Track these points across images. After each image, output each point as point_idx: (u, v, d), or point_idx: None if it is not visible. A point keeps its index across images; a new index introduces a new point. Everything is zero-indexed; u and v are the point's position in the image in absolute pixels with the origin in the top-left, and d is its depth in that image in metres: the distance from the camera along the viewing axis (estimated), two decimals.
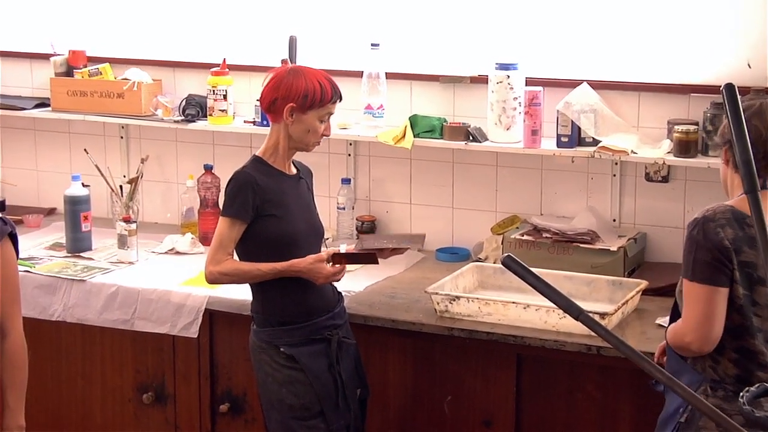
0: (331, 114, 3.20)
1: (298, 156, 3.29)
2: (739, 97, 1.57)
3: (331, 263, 3.14)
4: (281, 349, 3.14)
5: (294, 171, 3.26)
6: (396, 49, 4.04)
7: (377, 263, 3.29)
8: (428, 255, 4.05)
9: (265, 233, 3.12)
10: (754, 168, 1.52)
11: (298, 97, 3.11)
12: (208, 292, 3.64)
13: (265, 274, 3.11)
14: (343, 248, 3.50)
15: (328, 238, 3.88)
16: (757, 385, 1.42)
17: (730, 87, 1.57)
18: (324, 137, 3.21)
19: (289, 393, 3.13)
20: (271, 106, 3.15)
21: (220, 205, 4.18)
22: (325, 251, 3.24)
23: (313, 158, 3.57)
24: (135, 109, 4.31)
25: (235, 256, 3.18)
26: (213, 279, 3.16)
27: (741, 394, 1.39)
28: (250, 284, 3.20)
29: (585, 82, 3.76)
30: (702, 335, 2.55)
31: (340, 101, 3.21)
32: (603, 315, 3.17)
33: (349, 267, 3.29)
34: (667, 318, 3.30)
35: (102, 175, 4.22)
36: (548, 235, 3.72)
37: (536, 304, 3.23)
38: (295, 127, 3.14)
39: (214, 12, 4.36)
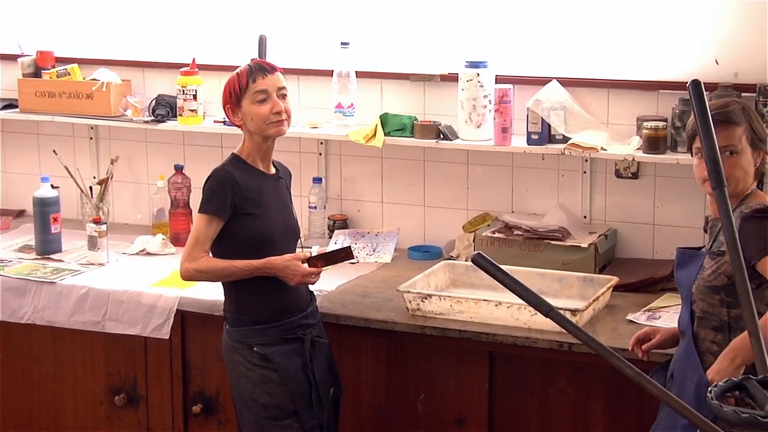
0: (265, 89, 3.11)
1: (277, 155, 3.28)
2: (705, 93, 1.58)
3: (306, 265, 3.14)
4: (254, 349, 3.13)
5: (273, 171, 3.25)
6: (366, 48, 4.04)
7: (353, 257, 3.34)
8: (400, 253, 4.05)
9: (242, 231, 3.11)
10: (721, 165, 1.53)
11: (227, 97, 3.17)
12: (180, 292, 3.62)
13: (240, 270, 3.10)
14: (315, 250, 3.51)
15: (300, 238, 3.87)
16: (725, 380, 1.43)
17: (696, 83, 1.58)
18: (278, 114, 3.11)
19: (262, 392, 3.12)
20: (225, 112, 3.23)
21: (191, 206, 4.20)
22: (301, 252, 3.24)
23: (284, 157, 3.57)
24: (104, 109, 4.29)
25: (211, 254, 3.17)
26: (188, 276, 3.14)
27: (709, 389, 1.40)
28: (223, 283, 3.19)
29: (554, 80, 3.77)
30: None
31: (267, 74, 3.12)
32: (574, 311, 3.18)
33: (326, 267, 3.29)
34: (638, 314, 3.33)
35: (71, 176, 4.19)
36: (519, 233, 3.74)
37: (508, 302, 3.24)
38: (246, 122, 3.16)
39: (183, 11, 4.34)
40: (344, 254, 3.26)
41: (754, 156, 2.72)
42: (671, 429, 2.70)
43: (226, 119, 4.08)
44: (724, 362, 2.59)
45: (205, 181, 3.15)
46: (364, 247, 4.00)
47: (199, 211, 3.13)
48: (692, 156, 2.80)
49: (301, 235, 3.79)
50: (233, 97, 3.15)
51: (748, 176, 2.72)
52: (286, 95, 3.18)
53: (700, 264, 2.75)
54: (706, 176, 2.71)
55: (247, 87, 3.13)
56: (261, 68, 3.16)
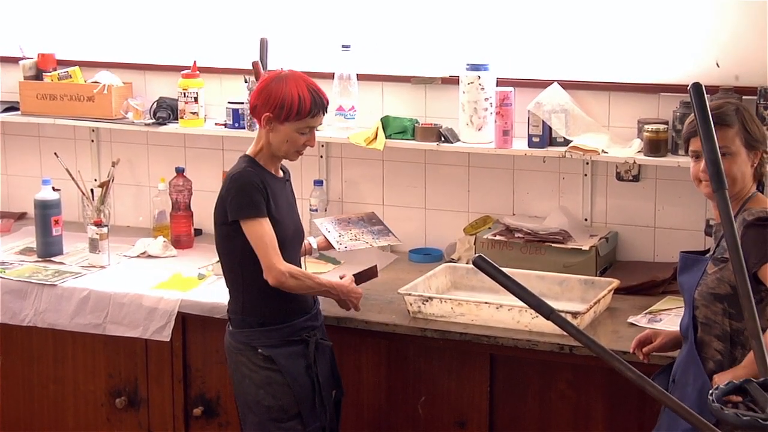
0: (313, 127, 3.13)
1: None
2: (706, 96, 1.58)
3: None
4: (259, 351, 3.12)
5: (281, 173, 3.25)
6: (367, 51, 4.04)
7: (377, 275, 3.50)
8: (401, 256, 4.05)
9: None
10: (722, 167, 1.53)
11: (275, 107, 3.07)
12: (181, 295, 3.63)
13: (320, 286, 3.17)
14: (313, 241, 3.52)
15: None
16: (726, 383, 1.43)
17: (696, 86, 1.58)
18: (306, 148, 3.17)
19: (266, 394, 3.12)
20: (254, 111, 3.15)
21: (192, 208, 4.20)
22: (348, 276, 3.34)
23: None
24: (105, 112, 4.29)
25: (216, 257, 3.16)
26: (282, 280, 3.04)
27: (710, 391, 1.40)
28: (228, 284, 3.19)
29: (555, 82, 3.78)
30: None
31: (324, 114, 3.14)
32: (575, 314, 3.18)
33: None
34: (639, 316, 3.33)
35: (73, 178, 4.19)
36: (520, 235, 3.74)
37: (509, 304, 3.24)
38: (273, 135, 3.11)
39: (185, 14, 4.35)
40: (371, 273, 3.44)
41: (750, 157, 2.72)
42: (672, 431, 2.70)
43: (227, 122, 4.12)
44: (737, 372, 2.57)
45: (229, 186, 3.08)
46: (363, 233, 3.87)
47: (246, 218, 3.04)
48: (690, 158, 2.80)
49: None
50: (282, 113, 3.06)
51: (745, 177, 2.72)
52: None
53: (703, 269, 2.73)
54: (700, 177, 2.72)
55: (304, 118, 3.08)
56: (323, 107, 3.12)
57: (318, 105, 3.10)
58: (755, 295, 2.58)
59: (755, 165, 2.73)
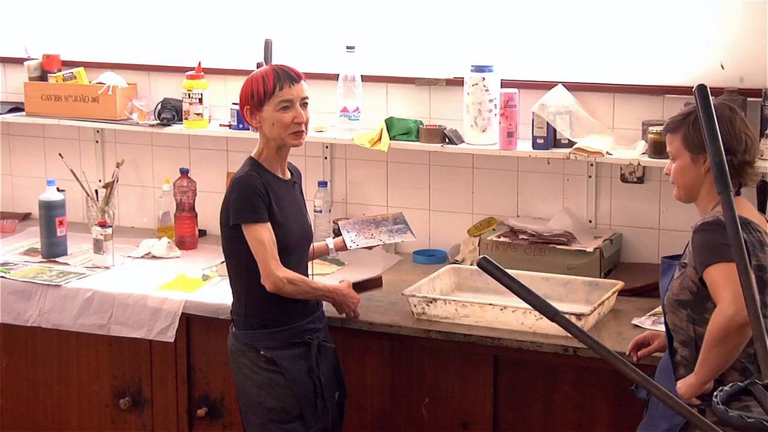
0: (289, 100, 3.09)
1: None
2: (711, 98, 1.58)
3: None
4: (261, 352, 3.13)
5: (288, 175, 3.24)
6: (371, 52, 4.04)
7: (381, 286, 3.48)
8: (405, 257, 4.05)
9: None
10: (727, 169, 1.53)
11: (247, 97, 3.12)
12: (185, 296, 3.63)
13: (317, 290, 3.17)
14: (330, 242, 3.52)
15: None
16: (730, 384, 1.43)
17: (702, 88, 1.58)
18: (299, 124, 3.10)
19: (268, 396, 3.12)
20: (242, 113, 3.17)
21: (197, 209, 4.20)
22: (346, 281, 3.33)
23: (290, 161, 3.56)
24: (110, 113, 4.29)
25: (220, 257, 3.16)
26: (281, 286, 3.05)
27: (715, 393, 1.40)
28: (232, 285, 3.19)
29: (560, 84, 3.78)
30: (742, 305, 2.49)
31: (294, 84, 3.09)
32: (579, 316, 3.18)
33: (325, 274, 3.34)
34: (643, 318, 3.33)
35: (77, 179, 4.20)
36: (525, 237, 3.74)
37: (513, 306, 3.24)
38: (264, 126, 3.12)
39: (190, 15, 4.35)
40: (375, 283, 3.44)
41: (700, 160, 2.69)
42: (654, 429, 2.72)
43: (232, 123, 4.12)
44: (690, 380, 2.60)
45: (232, 189, 3.09)
46: (381, 232, 3.84)
47: (245, 222, 3.05)
48: None
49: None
50: (255, 100, 3.09)
51: (691, 181, 2.72)
52: (307, 104, 3.16)
53: (672, 274, 2.74)
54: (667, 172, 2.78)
55: (273, 93, 3.07)
56: (288, 76, 3.10)
57: (281, 78, 3.09)
58: (704, 296, 2.59)
59: (705, 171, 2.69)
